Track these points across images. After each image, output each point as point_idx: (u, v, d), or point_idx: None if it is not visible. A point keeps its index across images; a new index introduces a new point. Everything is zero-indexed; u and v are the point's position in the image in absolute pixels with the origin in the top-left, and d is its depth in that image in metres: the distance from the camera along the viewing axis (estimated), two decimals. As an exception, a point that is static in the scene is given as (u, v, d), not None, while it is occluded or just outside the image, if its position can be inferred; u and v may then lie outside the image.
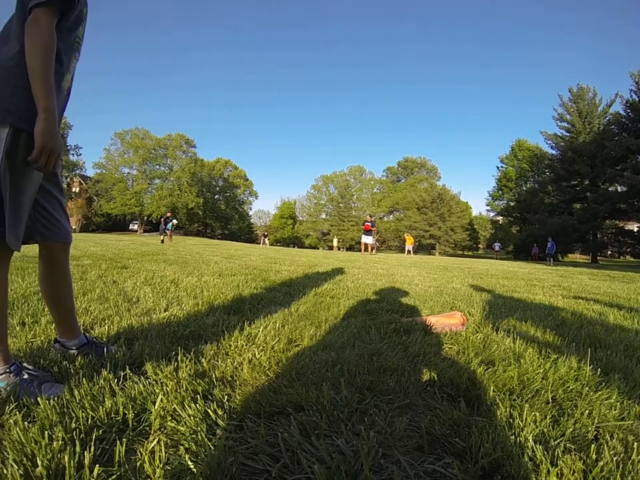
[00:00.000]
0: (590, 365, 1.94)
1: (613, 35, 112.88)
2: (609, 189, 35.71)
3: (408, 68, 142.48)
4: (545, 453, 1.14)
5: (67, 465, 0.97)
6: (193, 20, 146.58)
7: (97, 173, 59.28)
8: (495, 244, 44.20)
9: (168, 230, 23.63)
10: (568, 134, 40.57)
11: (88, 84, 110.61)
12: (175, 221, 25.17)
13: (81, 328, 2.16)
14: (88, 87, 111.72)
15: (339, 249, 44.64)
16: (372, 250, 20.87)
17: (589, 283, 7.78)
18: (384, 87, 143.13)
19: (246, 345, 2.07)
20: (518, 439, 1.21)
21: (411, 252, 29.61)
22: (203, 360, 1.81)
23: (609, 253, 50.15)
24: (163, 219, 24.40)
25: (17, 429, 1.11)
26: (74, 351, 1.81)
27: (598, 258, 38.56)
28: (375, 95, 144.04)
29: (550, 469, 1.06)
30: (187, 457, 1.07)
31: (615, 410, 1.48)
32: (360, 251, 21.47)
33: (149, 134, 60.20)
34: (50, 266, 1.70)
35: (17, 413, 1.23)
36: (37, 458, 1.00)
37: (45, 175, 1.50)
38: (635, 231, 35.87)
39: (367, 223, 20.34)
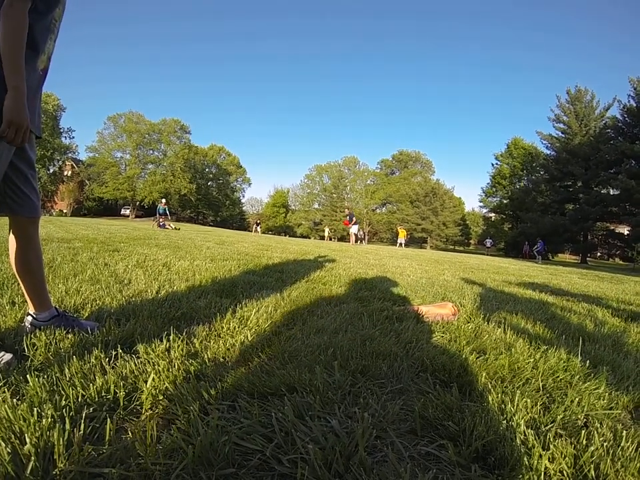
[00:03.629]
0: (579, 357, 1.96)
1: (612, 43, 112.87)
2: (602, 191, 35.98)
3: (407, 64, 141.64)
4: (537, 437, 1.16)
5: (56, 443, 0.96)
6: (188, 10, 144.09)
7: (90, 156, 58.47)
8: (487, 240, 44.38)
9: (162, 215, 22.63)
10: (564, 135, 40.76)
11: (84, 68, 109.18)
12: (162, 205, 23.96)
13: (72, 308, 2.16)
14: (83, 70, 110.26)
15: (330, 239, 44.70)
16: (357, 240, 21.16)
17: (578, 281, 7.84)
18: (382, 80, 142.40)
19: (238, 327, 2.07)
20: (510, 423, 1.23)
21: (403, 245, 29.74)
22: (195, 341, 1.80)
23: (599, 254, 50.64)
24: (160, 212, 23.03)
25: (5, 406, 1.09)
26: (43, 324, 1.82)
27: (587, 259, 38.95)
28: (373, 88, 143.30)
29: (542, 452, 1.07)
30: (179, 436, 1.05)
31: (604, 400, 1.51)
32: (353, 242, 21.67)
33: (143, 118, 59.39)
34: (20, 240, 1.77)
35: (6, 390, 1.21)
36: (26, 435, 0.98)
37: (15, 150, 1.56)
38: (625, 234, 36.19)
39: (345, 219, 20.89)
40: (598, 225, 37.75)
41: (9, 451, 0.93)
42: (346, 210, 22.15)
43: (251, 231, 38.02)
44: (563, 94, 40.96)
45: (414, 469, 1.01)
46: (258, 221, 42.48)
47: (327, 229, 44.29)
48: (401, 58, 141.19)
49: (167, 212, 23.42)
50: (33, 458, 0.91)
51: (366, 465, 0.99)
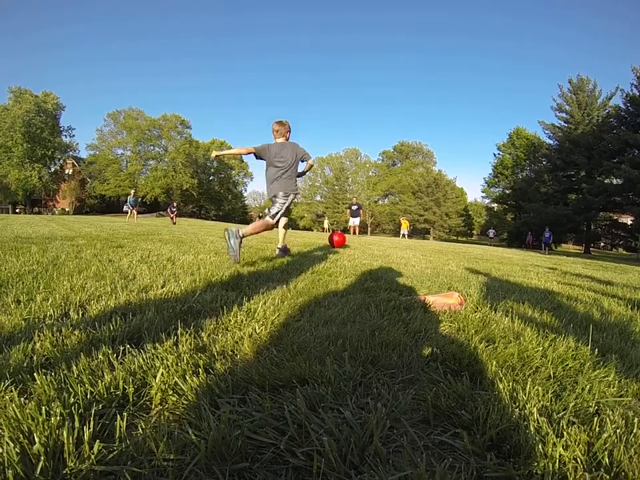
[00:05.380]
0: (589, 345, 1.95)
1: (614, 36, 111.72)
2: (605, 181, 35.70)
3: (407, 55, 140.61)
4: (550, 425, 1.15)
5: (65, 441, 0.95)
6: (186, 5, 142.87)
7: (90, 154, 58.44)
8: (490, 230, 44.21)
9: (131, 206, 22.20)
10: (566, 124, 40.35)
11: (83, 66, 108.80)
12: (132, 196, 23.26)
13: (77, 305, 2.15)
14: (83, 69, 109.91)
15: (331, 231, 44.63)
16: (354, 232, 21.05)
17: (582, 271, 7.81)
18: (382, 71, 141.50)
19: (246, 319, 2.06)
20: (522, 411, 1.22)
21: (406, 236, 29.61)
22: (203, 334, 1.79)
23: (602, 244, 50.47)
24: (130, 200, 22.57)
25: (13, 405, 1.08)
26: (282, 252, 5.35)
27: (590, 249, 38.80)
28: (373, 79, 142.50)
29: (556, 440, 1.06)
30: (190, 431, 1.04)
31: (614, 388, 1.50)
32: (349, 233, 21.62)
33: (143, 114, 59.22)
34: (287, 222, 5.36)
35: (13, 389, 1.20)
36: (34, 435, 0.97)
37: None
38: (629, 224, 35.95)
39: (353, 206, 20.68)
40: (601, 214, 37.48)
41: (18, 451, 0.92)
42: (354, 199, 21.98)
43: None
44: (565, 83, 40.61)
45: (429, 459, 1.00)
46: (260, 214, 41.46)
47: (326, 221, 44.30)
48: (401, 50, 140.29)
49: (137, 203, 23.02)
50: (42, 457, 0.90)
51: (381, 455, 0.99)
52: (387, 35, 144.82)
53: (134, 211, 22.19)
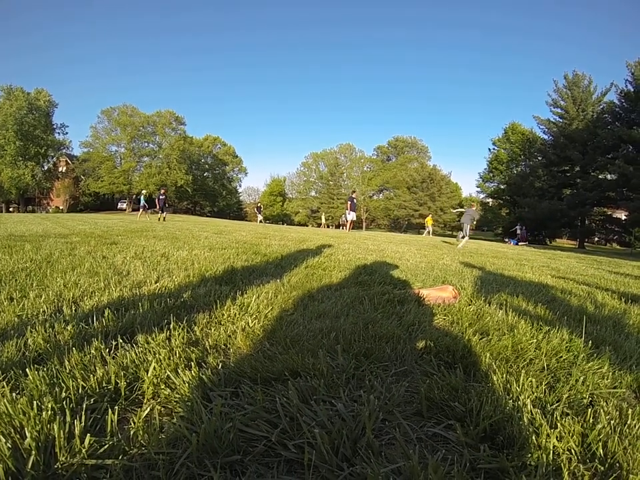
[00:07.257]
0: (582, 337, 1.95)
1: (610, 32, 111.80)
2: (599, 176, 35.81)
3: (403, 50, 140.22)
4: (544, 416, 1.15)
5: (56, 436, 0.94)
6: (183, 3, 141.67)
7: (84, 152, 57.69)
8: (517, 227, 42.48)
9: (143, 205, 22.13)
10: (561, 120, 40.34)
11: (77, 62, 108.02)
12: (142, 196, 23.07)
13: (70, 301, 2.14)
14: (76, 65, 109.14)
15: (327, 227, 44.61)
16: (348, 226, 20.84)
17: (576, 265, 7.85)
18: (376, 66, 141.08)
19: (239, 313, 2.06)
20: (516, 403, 1.22)
21: (430, 233, 28.53)
22: (196, 328, 1.79)
23: (596, 239, 50.62)
24: (157, 199, 21.07)
25: (5, 400, 1.07)
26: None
27: (585, 244, 38.94)
28: (367, 74, 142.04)
29: (549, 431, 1.06)
30: (182, 424, 1.04)
31: (607, 379, 1.51)
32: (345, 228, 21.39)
33: (137, 111, 58.60)
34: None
35: (5, 384, 1.19)
36: (26, 430, 0.96)
37: None
38: (623, 219, 36.11)
39: (355, 199, 20.42)
40: (595, 209, 37.61)
41: (9, 446, 0.91)
42: (354, 194, 21.37)
43: (249, 221, 36.67)
44: (560, 79, 40.60)
45: (422, 451, 1.00)
46: (259, 205, 33.71)
47: (323, 216, 44.18)
48: (397, 44, 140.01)
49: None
50: (33, 452, 0.89)
51: (374, 447, 0.98)
52: (382, 30, 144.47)
53: (143, 209, 22.19)
